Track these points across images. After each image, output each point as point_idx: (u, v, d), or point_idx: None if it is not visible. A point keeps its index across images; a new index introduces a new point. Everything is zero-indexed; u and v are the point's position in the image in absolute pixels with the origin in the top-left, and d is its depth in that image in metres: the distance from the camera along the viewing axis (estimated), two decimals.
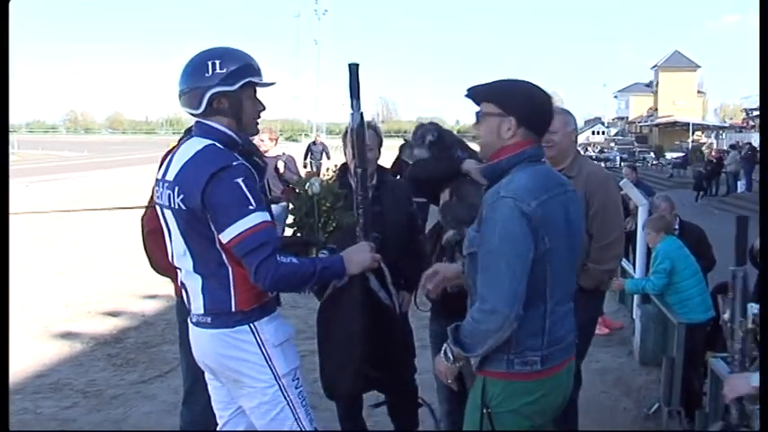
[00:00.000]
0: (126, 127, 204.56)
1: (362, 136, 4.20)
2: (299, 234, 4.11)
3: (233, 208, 3.56)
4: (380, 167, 5.46)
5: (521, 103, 3.44)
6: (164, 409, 6.96)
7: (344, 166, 5.51)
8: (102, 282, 12.81)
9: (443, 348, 3.55)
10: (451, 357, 3.51)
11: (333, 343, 4.18)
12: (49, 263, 14.51)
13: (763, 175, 3.67)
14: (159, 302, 10.92)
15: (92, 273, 13.65)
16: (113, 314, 10.63)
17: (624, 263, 11.04)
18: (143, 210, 4.71)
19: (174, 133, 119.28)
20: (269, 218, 3.65)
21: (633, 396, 7.43)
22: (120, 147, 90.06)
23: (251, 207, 3.57)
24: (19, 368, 7.96)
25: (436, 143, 4.81)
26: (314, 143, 28.88)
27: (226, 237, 3.58)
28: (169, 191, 3.71)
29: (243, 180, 3.59)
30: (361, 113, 4.14)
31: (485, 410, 3.42)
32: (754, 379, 3.63)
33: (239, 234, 3.55)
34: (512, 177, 3.37)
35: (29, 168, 41.59)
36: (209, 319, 3.76)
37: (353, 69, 4.12)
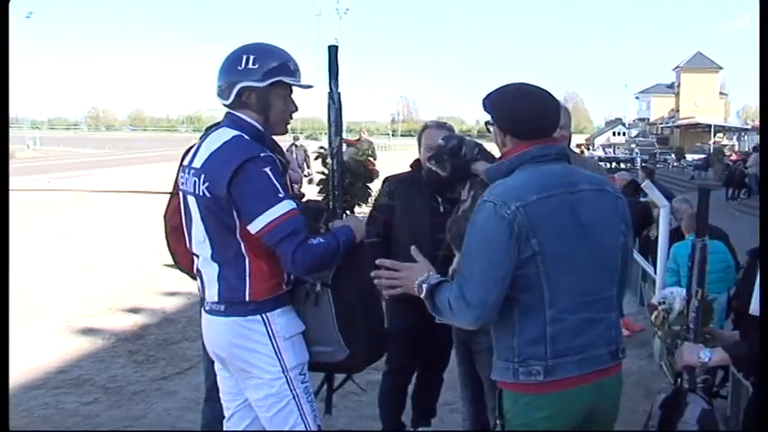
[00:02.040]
0: (147, 124, 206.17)
1: (341, 113, 4.21)
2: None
3: (262, 197, 3.62)
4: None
5: (504, 113, 3.40)
6: (184, 405, 6.98)
7: (417, 163, 5.59)
8: (123, 278, 12.87)
9: (424, 287, 3.37)
10: (422, 294, 3.38)
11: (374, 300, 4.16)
12: (71, 259, 14.58)
13: (763, 175, 3.65)
14: (180, 299, 10.96)
15: (113, 269, 13.71)
16: (134, 311, 10.67)
17: (645, 264, 11.01)
18: (164, 206, 4.74)
19: (194, 131, 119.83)
20: (296, 206, 3.70)
21: (653, 398, 7.39)
22: (142, 144, 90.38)
23: (280, 195, 3.64)
24: (41, 363, 8.02)
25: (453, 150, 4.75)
26: (359, 141, 27.36)
27: (256, 226, 3.62)
28: (195, 177, 3.76)
29: (270, 169, 3.65)
30: (339, 93, 4.17)
31: (498, 422, 3.37)
32: (704, 354, 3.69)
33: (270, 222, 3.61)
34: (505, 180, 3.32)
35: (51, 165, 41.85)
36: (222, 307, 3.81)
37: (333, 52, 4.16)
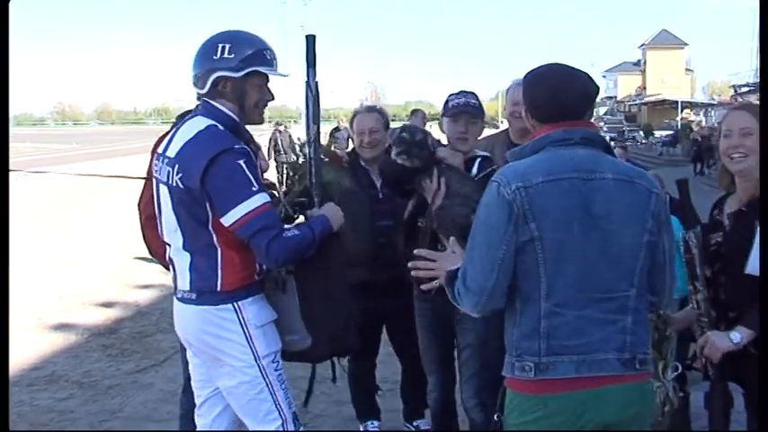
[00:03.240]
0: (114, 118, 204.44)
1: (318, 102, 4.17)
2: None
3: (235, 190, 3.61)
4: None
5: (525, 94, 3.30)
6: (160, 397, 6.97)
7: (354, 152, 5.59)
8: (95, 272, 12.81)
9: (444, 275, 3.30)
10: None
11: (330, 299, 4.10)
12: (41, 255, 14.48)
13: (763, 174, 3.66)
14: (153, 292, 10.90)
15: (84, 264, 13.64)
16: (107, 305, 10.63)
17: None
18: (138, 195, 4.71)
19: (162, 122, 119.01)
20: (269, 199, 3.70)
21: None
22: (110, 138, 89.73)
23: (254, 189, 3.63)
24: (14, 361, 7.94)
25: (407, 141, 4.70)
26: (337, 129, 26.78)
27: (229, 219, 3.62)
28: (169, 167, 3.76)
29: (244, 162, 3.64)
30: (317, 82, 4.15)
31: (497, 416, 3.27)
32: (734, 336, 3.65)
33: (244, 216, 3.60)
34: (518, 161, 3.17)
35: (17, 162, 41.45)
36: (194, 296, 3.81)
37: (310, 40, 4.16)
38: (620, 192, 3.09)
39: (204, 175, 3.60)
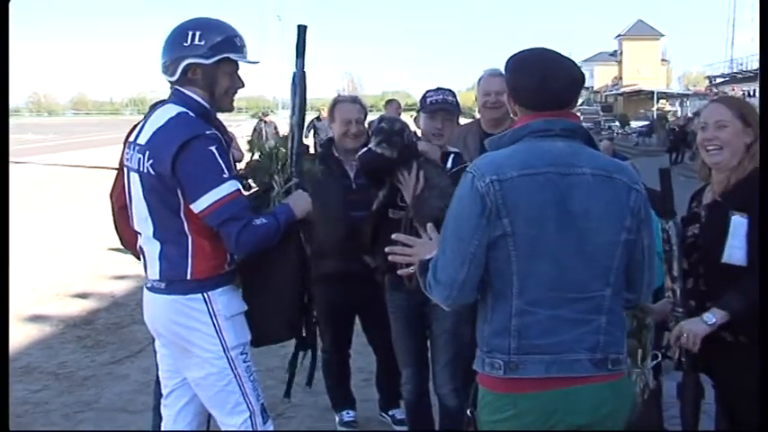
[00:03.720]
0: (90, 108, 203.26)
1: (305, 91, 4.18)
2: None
3: (206, 177, 3.60)
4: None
5: (510, 78, 3.17)
6: (135, 388, 6.96)
7: (330, 141, 5.60)
8: (69, 264, 12.75)
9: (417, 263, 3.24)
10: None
11: (265, 290, 4.07)
12: (16, 246, 14.35)
13: (763, 174, 3.69)
14: (128, 283, 10.87)
15: (59, 255, 13.57)
16: (82, 296, 10.60)
17: None
18: (110, 186, 4.70)
19: (138, 113, 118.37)
20: (240, 186, 3.70)
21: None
22: (86, 128, 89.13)
23: (224, 176, 3.62)
24: None
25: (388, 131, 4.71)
26: (318, 119, 25.35)
27: (199, 206, 3.61)
28: (139, 154, 3.74)
29: (216, 148, 3.63)
30: (304, 72, 4.16)
31: (470, 411, 3.18)
32: (708, 318, 3.68)
33: (213, 203, 3.60)
34: (495, 151, 3.09)
35: None
36: (163, 285, 3.81)
37: (302, 30, 4.17)
38: (599, 188, 3.00)
39: (175, 161, 3.58)
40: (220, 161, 3.63)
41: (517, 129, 3.10)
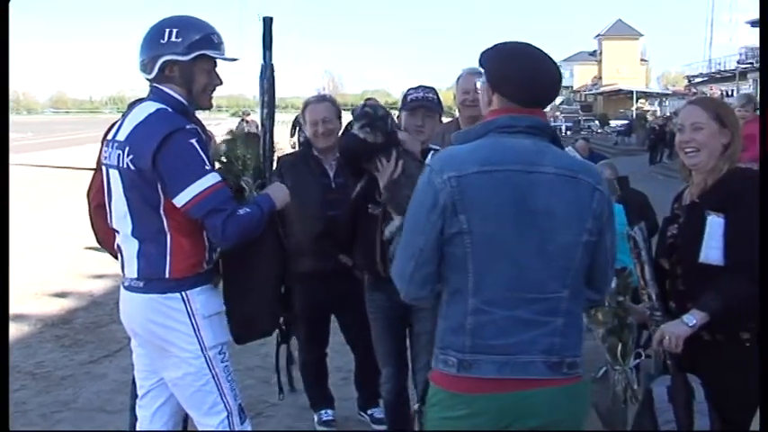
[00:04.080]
0: (70, 106, 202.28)
1: (273, 84, 4.18)
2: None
3: (187, 169, 3.60)
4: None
5: (496, 67, 3.06)
6: (113, 388, 6.93)
7: (308, 142, 5.59)
8: (48, 263, 12.67)
9: None
10: None
11: (249, 286, 4.06)
12: None
13: (763, 173, 3.71)
14: (107, 282, 10.82)
15: (38, 254, 13.48)
16: (61, 295, 10.55)
17: None
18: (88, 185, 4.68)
19: (118, 111, 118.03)
20: (221, 178, 3.69)
21: (596, 372, 7.48)
22: (65, 126, 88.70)
23: (206, 168, 3.63)
24: None
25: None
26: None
27: (182, 199, 3.60)
28: (119, 150, 3.73)
29: (196, 141, 3.63)
30: (272, 64, 4.15)
31: (417, 406, 3.19)
32: (688, 319, 3.67)
33: (197, 195, 3.59)
34: (459, 146, 3.05)
35: None
36: (141, 284, 3.79)
37: (267, 23, 4.15)
38: (562, 188, 2.93)
39: (156, 155, 3.58)
40: (201, 154, 3.64)
41: (483, 124, 3.06)
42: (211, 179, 3.63)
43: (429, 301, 3.11)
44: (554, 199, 2.91)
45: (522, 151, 2.94)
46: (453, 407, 2.97)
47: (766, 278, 3.56)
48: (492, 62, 3.08)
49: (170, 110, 3.75)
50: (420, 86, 5.04)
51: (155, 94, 3.84)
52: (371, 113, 4.54)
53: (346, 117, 5.62)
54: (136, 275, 3.80)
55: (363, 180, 4.70)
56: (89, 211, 4.63)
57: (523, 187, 2.89)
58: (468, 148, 3.00)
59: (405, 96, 5.02)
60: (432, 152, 4.84)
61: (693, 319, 3.68)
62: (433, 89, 5.04)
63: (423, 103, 4.90)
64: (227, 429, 3.89)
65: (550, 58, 3.09)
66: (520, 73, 3.00)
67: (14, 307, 9.80)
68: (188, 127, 3.66)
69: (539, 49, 3.10)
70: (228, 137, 4.15)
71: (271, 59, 4.15)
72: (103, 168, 3.94)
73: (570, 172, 2.96)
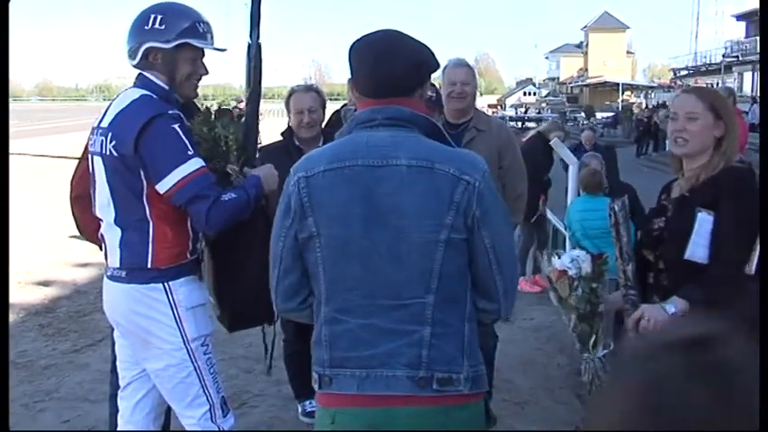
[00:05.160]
0: (56, 94, 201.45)
1: (260, 63, 4.17)
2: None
3: (170, 154, 3.56)
4: (326, 129, 5.60)
5: (350, 62, 2.85)
6: (96, 377, 6.87)
7: (289, 130, 5.56)
8: (32, 251, 12.58)
9: None
10: None
11: (245, 277, 4.02)
12: None
13: (763, 173, 3.69)
14: (91, 271, 10.73)
15: (22, 242, 13.39)
16: (44, 284, 10.47)
17: (557, 222, 11.16)
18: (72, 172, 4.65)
19: (104, 99, 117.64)
20: (204, 163, 3.65)
21: (567, 352, 7.48)
22: (51, 114, 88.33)
23: (189, 153, 3.59)
24: None
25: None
26: None
27: (164, 185, 3.56)
28: (102, 137, 3.71)
29: (179, 126, 3.60)
30: (259, 43, 4.14)
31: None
32: (669, 307, 3.63)
33: (180, 180, 3.55)
34: (322, 146, 2.94)
35: None
36: (123, 274, 3.76)
37: (256, 0, 4.13)
38: (412, 181, 2.62)
39: (138, 140, 3.54)
40: (184, 138, 3.61)
41: (349, 120, 2.87)
42: (195, 164, 3.59)
43: (303, 314, 2.92)
44: (403, 194, 2.63)
45: (375, 144, 2.69)
46: (322, 421, 2.82)
47: (766, 277, 3.54)
48: (349, 57, 2.86)
49: (154, 96, 3.72)
50: None
51: (140, 81, 3.81)
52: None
53: (332, 106, 5.61)
54: (118, 265, 3.77)
55: None
56: (70, 198, 4.59)
57: (370, 183, 2.64)
58: (327, 146, 2.89)
59: None
60: None
61: (673, 307, 3.62)
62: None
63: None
64: (209, 422, 3.86)
65: (410, 42, 2.82)
66: (360, 66, 2.80)
67: None
68: (170, 112, 3.63)
69: (396, 33, 2.85)
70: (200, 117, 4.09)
71: (258, 38, 4.12)
72: (89, 156, 3.91)
73: (427, 162, 2.64)
